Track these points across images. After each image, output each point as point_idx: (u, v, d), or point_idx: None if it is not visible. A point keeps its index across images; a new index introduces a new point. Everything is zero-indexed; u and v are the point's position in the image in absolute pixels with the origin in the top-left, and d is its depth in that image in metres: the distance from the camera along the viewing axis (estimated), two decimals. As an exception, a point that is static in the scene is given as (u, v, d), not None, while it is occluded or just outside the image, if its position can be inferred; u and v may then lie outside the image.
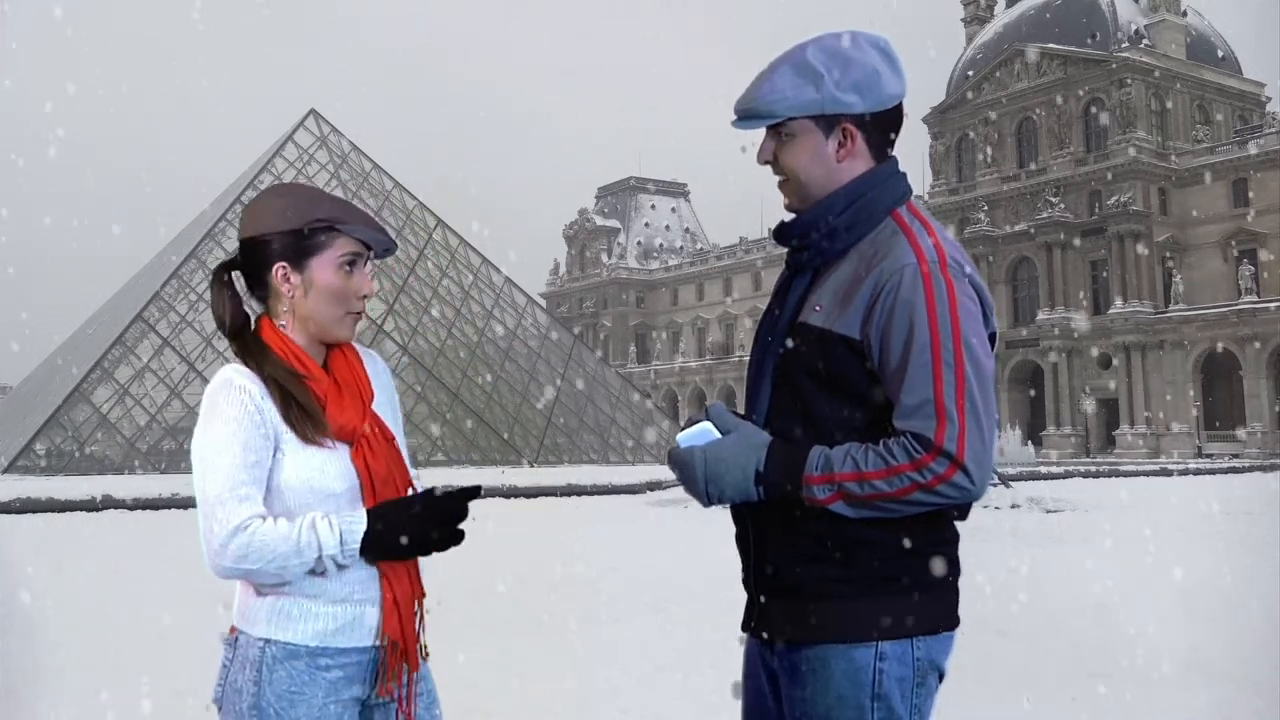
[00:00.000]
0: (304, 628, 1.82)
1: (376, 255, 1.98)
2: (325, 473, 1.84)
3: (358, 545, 1.78)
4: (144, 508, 19.44)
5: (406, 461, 1.98)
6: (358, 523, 1.79)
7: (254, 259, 1.92)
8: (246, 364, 1.87)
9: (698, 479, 1.81)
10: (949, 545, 1.86)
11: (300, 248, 1.89)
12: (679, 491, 22.70)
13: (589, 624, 7.55)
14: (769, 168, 1.97)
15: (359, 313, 1.95)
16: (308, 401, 1.85)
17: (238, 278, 1.96)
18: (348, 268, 1.92)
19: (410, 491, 1.94)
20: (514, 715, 5.00)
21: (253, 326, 1.94)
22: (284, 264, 1.89)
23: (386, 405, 2.00)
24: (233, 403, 1.81)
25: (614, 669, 6.08)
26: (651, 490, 24.76)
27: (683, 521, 16.30)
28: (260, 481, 1.80)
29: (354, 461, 1.87)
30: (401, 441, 2.00)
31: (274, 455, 1.83)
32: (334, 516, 1.79)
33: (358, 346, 2.02)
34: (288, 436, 1.83)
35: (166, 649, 6.50)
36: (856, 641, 1.78)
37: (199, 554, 1.77)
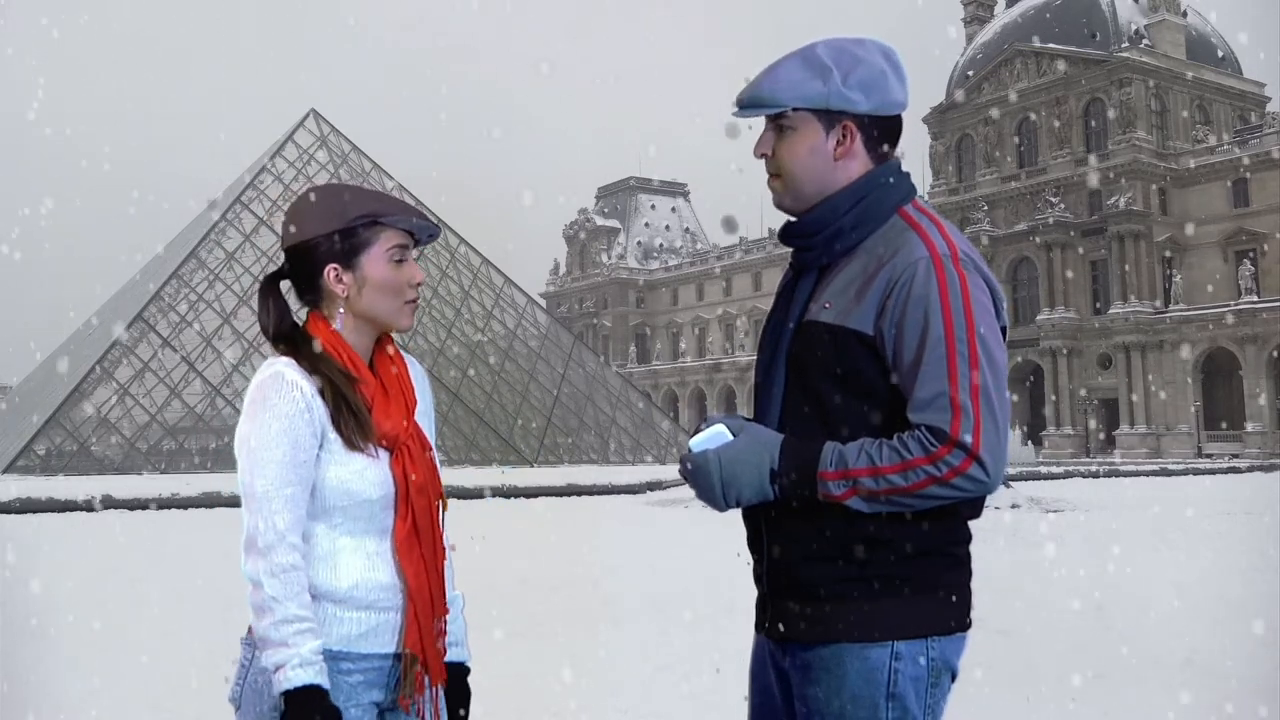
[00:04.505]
0: (328, 632, 1.82)
1: (422, 242, 1.98)
2: (363, 478, 1.84)
3: (285, 688, 1.74)
4: (144, 508, 19.46)
5: (439, 473, 1.98)
6: (298, 683, 1.74)
7: (303, 266, 1.91)
8: (298, 360, 1.86)
9: (714, 483, 1.80)
10: (963, 545, 1.85)
11: (348, 247, 1.89)
12: (679, 491, 22.81)
13: (589, 624, 7.56)
14: (763, 164, 1.96)
15: (414, 300, 1.95)
16: (359, 406, 1.86)
17: (285, 286, 1.96)
18: (397, 259, 1.92)
19: (440, 504, 1.94)
20: (514, 715, 5.00)
21: (301, 325, 1.94)
22: (335, 265, 1.89)
23: (424, 414, 2.00)
24: (285, 397, 1.81)
25: (614, 669, 6.08)
26: (651, 490, 24.78)
27: (683, 522, 16.31)
28: (306, 481, 1.81)
29: (393, 469, 1.87)
30: (434, 452, 2.00)
31: (316, 454, 1.84)
32: (309, 666, 1.74)
33: (402, 352, 2.02)
34: (332, 438, 1.84)
35: (167, 649, 6.50)
36: (872, 641, 1.77)
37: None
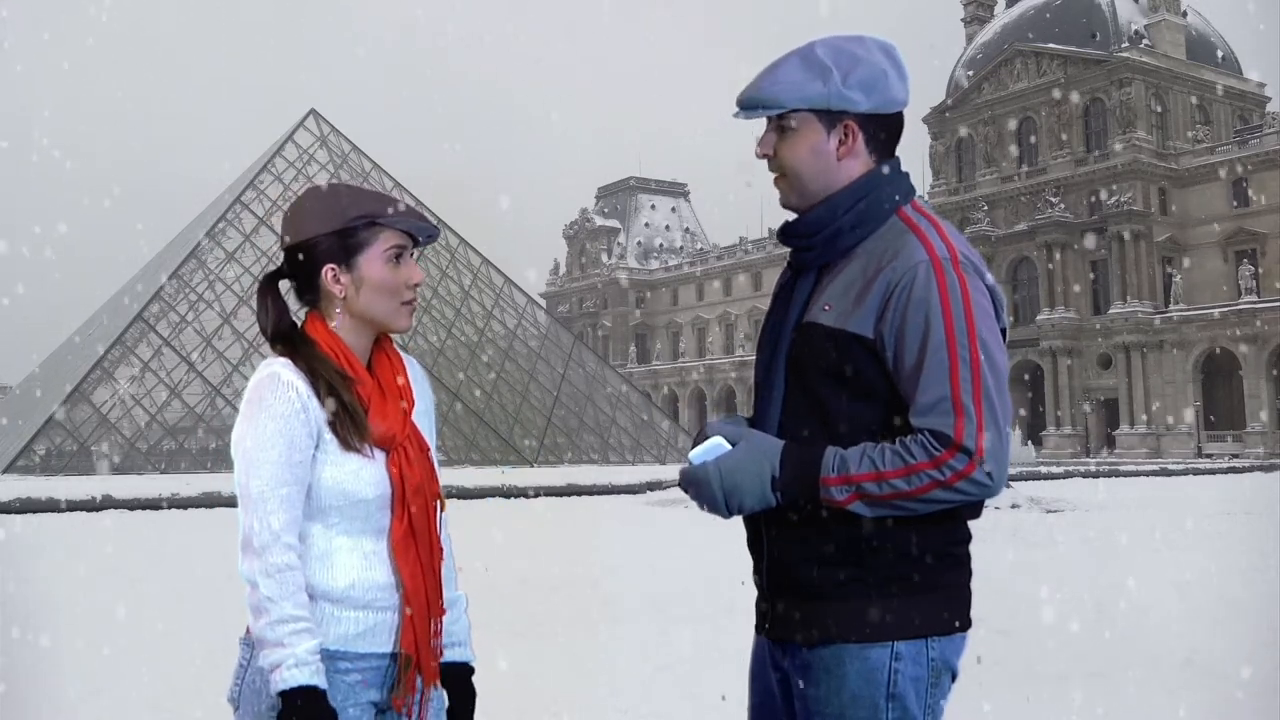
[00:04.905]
0: (326, 631, 1.82)
1: (421, 243, 1.98)
2: (359, 478, 1.84)
3: (281, 688, 1.74)
4: (144, 508, 19.45)
5: (437, 474, 1.98)
6: (294, 683, 1.73)
7: (301, 265, 1.92)
8: (294, 361, 1.87)
9: (716, 494, 1.80)
10: (963, 545, 1.86)
11: (346, 247, 1.89)
12: (679, 491, 22.69)
13: (589, 625, 7.56)
14: (765, 164, 1.96)
15: (412, 301, 1.95)
16: (354, 407, 1.86)
17: (284, 285, 1.96)
18: (395, 260, 1.92)
19: (438, 504, 1.94)
20: (514, 716, 5.00)
21: (299, 325, 1.94)
22: (333, 265, 1.89)
23: (424, 415, 2.00)
24: (280, 398, 1.81)
25: (614, 670, 6.08)
26: (651, 490, 24.75)
27: (682, 522, 16.29)
28: (302, 481, 1.81)
29: (389, 469, 1.87)
30: (434, 452, 2.00)
31: (312, 454, 1.84)
32: (305, 666, 1.74)
33: (401, 353, 2.02)
34: (328, 438, 1.84)
35: (167, 649, 6.51)
36: (872, 641, 1.78)
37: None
